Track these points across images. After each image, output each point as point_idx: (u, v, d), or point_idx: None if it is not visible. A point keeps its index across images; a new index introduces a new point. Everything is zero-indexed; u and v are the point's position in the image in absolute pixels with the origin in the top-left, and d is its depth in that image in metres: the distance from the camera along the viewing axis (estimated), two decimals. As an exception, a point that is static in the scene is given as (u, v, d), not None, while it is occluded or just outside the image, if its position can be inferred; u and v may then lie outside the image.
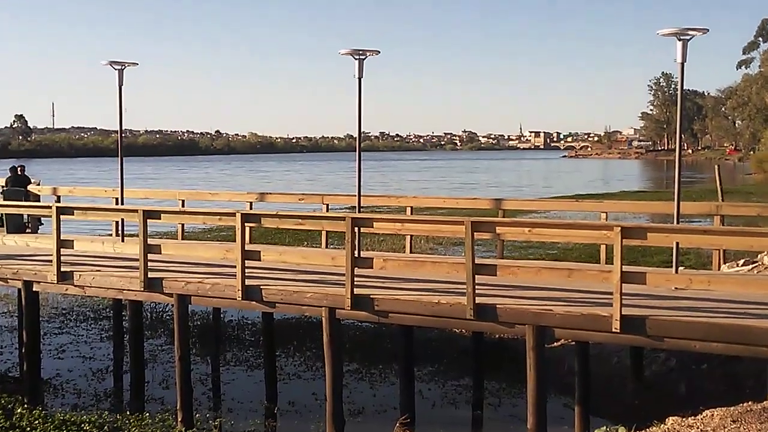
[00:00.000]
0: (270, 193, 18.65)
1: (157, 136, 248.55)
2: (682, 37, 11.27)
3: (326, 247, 16.23)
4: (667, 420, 5.52)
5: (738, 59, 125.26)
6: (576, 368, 12.00)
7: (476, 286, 10.37)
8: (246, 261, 11.88)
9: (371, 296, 11.09)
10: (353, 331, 16.79)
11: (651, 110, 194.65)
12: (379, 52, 13.50)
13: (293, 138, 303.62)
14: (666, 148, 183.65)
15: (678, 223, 11.61)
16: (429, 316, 10.81)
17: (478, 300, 10.35)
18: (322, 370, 12.77)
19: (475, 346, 14.22)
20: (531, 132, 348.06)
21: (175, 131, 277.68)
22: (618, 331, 9.51)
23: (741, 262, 16.83)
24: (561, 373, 13.44)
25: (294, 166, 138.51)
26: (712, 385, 12.27)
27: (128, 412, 11.64)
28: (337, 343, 11.57)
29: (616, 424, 9.11)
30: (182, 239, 18.04)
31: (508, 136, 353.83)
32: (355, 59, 13.46)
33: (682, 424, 5.33)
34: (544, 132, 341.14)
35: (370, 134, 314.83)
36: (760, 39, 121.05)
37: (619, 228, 9.57)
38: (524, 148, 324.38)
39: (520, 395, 12.61)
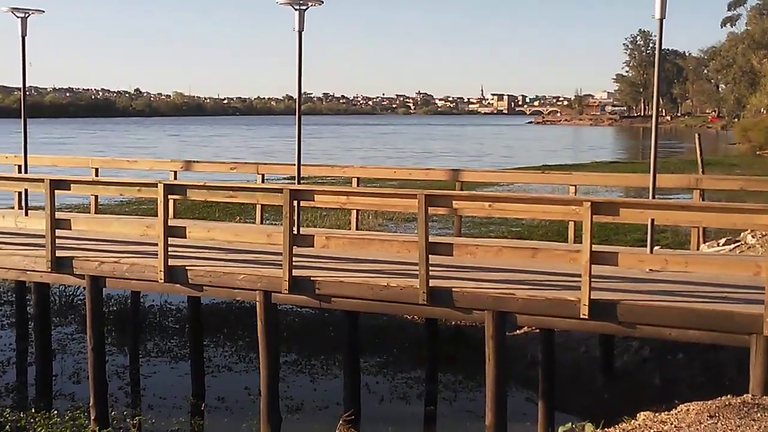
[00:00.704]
0: (197, 161, 18.47)
1: (67, 94, 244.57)
2: (660, -9, 11.38)
3: (261, 222, 16.16)
4: (638, 415, 5.64)
5: (723, 16, 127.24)
6: (540, 358, 12.16)
7: (430, 268, 10.41)
8: (169, 238, 11.76)
9: (312, 278, 11.09)
10: (292, 318, 16.81)
11: (626, 72, 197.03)
12: (323, 2, 13.43)
13: (224, 99, 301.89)
14: (642, 114, 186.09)
15: (654, 197, 11.79)
16: (377, 301, 10.83)
17: (432, 283, 10.40)
18: (256, 362, 12.76)
19: (428, 335, 14.33)
20: (493, 95, 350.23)
21: (88, 89, 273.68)
22: (586, 317, 9.64)
23: (722, 241, 17.20)
24: (523, 363, 13.63)
25: (225, 131, 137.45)
26: (689, 377, 12.55)
27: (34, 410, 11.53)
28: (273, 331, 11.56)
29: (584, 419, 9.28)
30: (96, 213, 17.80)
31: (468, 99, 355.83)
32: (295, 10, 13.36)
33: (655, 419, 5.45)
34: (508, 95, 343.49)
35: (312, 95, 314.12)
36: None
37: (589, 203, 9.67)
38: (486, 113, 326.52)
39: (478, 388, 12.78)
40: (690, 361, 12.83)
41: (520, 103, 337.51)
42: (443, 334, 14.97)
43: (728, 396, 5.70)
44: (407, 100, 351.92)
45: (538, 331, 12.39)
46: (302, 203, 12.52)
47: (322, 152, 71.08)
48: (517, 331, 14.30)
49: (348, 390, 12.57)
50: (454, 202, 10.98)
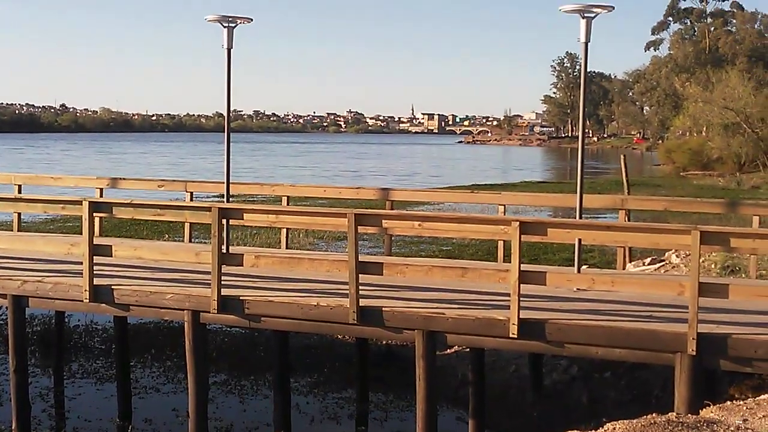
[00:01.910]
0: (124, 179, 18.21)
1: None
2: (586, 15, 11.61)
3: (190, 241, 15.98)
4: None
5: (647, 40, 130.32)
6: (470, 377, 12.22)
7: (360, 287, 10.41)
8: (95, 257, 11.57)
9: (241, 298, 11.00)
10: (221, 338, 16.61)
11: (554, 93, 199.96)
12: (252, 19, 13.40)
13: (153, 115, 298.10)
14: (570, 134, 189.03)
15: (581, 217, 11.98)
16: (307, 321, 10.79)
17: (362, 302, 10.39)
18: (184, 383, 12.59)
19: (359, 354, 14.29)
20: (424, 114, 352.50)
21: (12, 104, 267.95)
22: (515, 336, 9.73)
23: (647, 260, 17.55)
24: (454, 383, 13.68)
25: (153, 148, 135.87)
26: (616, 395, 12.73)
27: (-49, 435, 11.21)
28: (201, 351, 11.42)
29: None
30: (19, 231, 17.40)
31: (399, 118, 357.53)
32: (224, 27, 13.31)
33: (582, 438, 5.51)
34: (439, 115, 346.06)
35: (242, 113, 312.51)
36: (671, 19, 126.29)
37: (518, 223, 9.77)
38: (416, 132, 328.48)
39: (408, 408, 12.78)
40: (617, 379, 13.02)
41: (450, 122, 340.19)
42: (374, 353, 14.94)
43: (653, 414, 5.79)
44: (338, 118, 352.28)
45: (468, 350, 12.45)
46: (231, 222, 12.44)
47: (252, 170, 70.73)
48: (448, 351, 14.35)
49: (278, 410, 12.47)
50: (384, 221, 11.00)
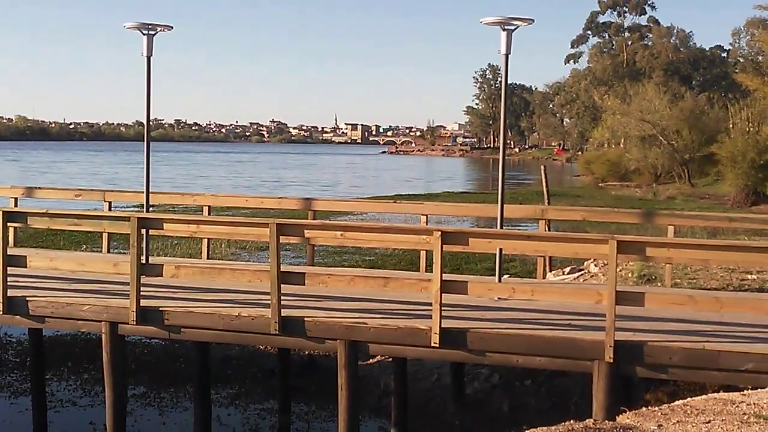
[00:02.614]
0: (40, 188, 17.84)
1: None
2: (506, 27, 11.78)
3: (108, 251, 15.71)
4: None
5: (567, 53, 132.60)
6: (392, 387, 12.25)
7: (282, 297, 10.37)
8: (9, 268, 11.31)
9: (161, 308, 10.85)
10: (140, 350, 16.34)
11: (476, 104, 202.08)
12: (172, 27, 13.27)
13: (71, 123, 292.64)
14: (492, 145, 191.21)
15: (502, 227, 12.12)
16: (228, 331, 10.70)
17: (284, 312, 10.35)
18: (101, 395, 12.34)
19: (281, 365, 14.20)
20: (347, 124, 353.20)
21: None
22: (437, 345, 9.79)
23: (567, 269, 17.80)
24: (377, 392, 13.69)
25: (71, 156, 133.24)
26: (536, 403, 12.88)
27: None
28: (119, 363, 11.24)
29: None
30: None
31: (323, 128, 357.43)
32: (144, 35, 13.15)
33: (502, 445, 5.57)
34: (362, 125, 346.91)
35: (163, 122, 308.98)
36: (589, 32, 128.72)
37: (439, 233, 9.85)
38: (340, 142, 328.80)
39: (331, 418, 12.74)
40: (537, 387, 13.18)
41: (373, 132, 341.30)
42: (296, 364, 14.86)
43: (572, 421, 5.88)
44: (261, 128, 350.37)
45: (391, 360, 12.48)
46: (151, 232, 12.27)
47: (173, 180, 69.87)
48: (371, 360, 14.36)
49: (198, 423, 12.32)
50: (306, 231, 10.98)
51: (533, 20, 11.78)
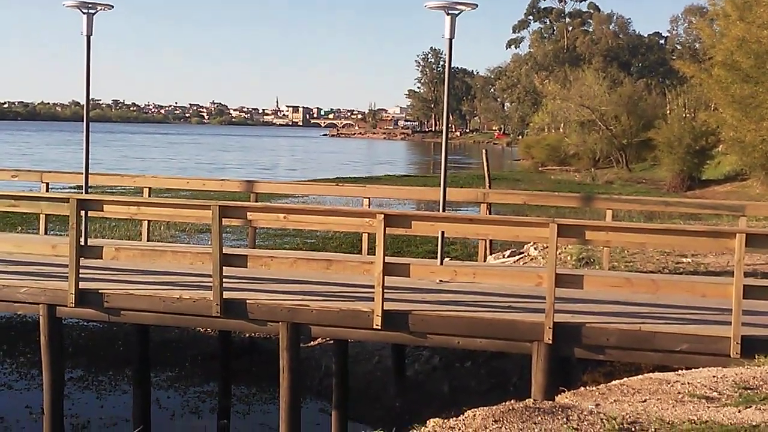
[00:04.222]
0: (-26, 168, 17.47)
1: None
2: (450, 11, 11.83)
3: (46, 233, 15.49)
4: (428, 422, 5.82)
5: (509, 38, 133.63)
6: (334, 369, 12.31)
7: (224, 279, 10.34)
8: (-57, 249, 11.10)
9: (100, 291, 10.75)
10: (78, 333, 16.16)
11: (418, 88, 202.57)
12: (113, 6, 13.10)
13: (5, 102, 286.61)
14: (434, 129, 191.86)
15: (444, 210, 12.21)
16: (168, 314, 10.65)
17: (226, 295, 10.32)
18: (39, 379, 12.20)
19: (222, 348, 14.18)
20: (289, 107, 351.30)
21: None
22: (379, 327, 9.86)
23: (507, 252, 18.00)
24: (319, 375, 13.74)
25: (5, 137, 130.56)
26: (476, 384, 13.04)
27: None
28: (57, 346, 11.11)
29: (377, 427, 9.47)
30: None
31: (263, 110, 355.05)
32: (83, 13, 12.95)
33: (444, 425, 5.65)
34: (304, 107, 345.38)
35: (101, 102, 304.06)
36: (531, 18, 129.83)
37: (382, 215, 9.88)
38: (281, 125, 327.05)
39: (272, 400, 12.76)
40: (477, 368, 13.34)
41: (315, 115, 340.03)
42: (237, 346, 14.84)
43: (512, 401, 5.99)
44: (201, 109, 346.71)
45: (332, 342, 12.52)
46: (90, 213, 12.11)
47: (113, 161, 68.91)
48: (312, 343, 14.40)
49: (137, 405, 12.26)
50: (248, 213, 10.96)
51: (477, 5, 11.85)
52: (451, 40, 12.09)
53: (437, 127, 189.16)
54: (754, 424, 5.52)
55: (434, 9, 11.90)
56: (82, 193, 13.12)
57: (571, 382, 10.24)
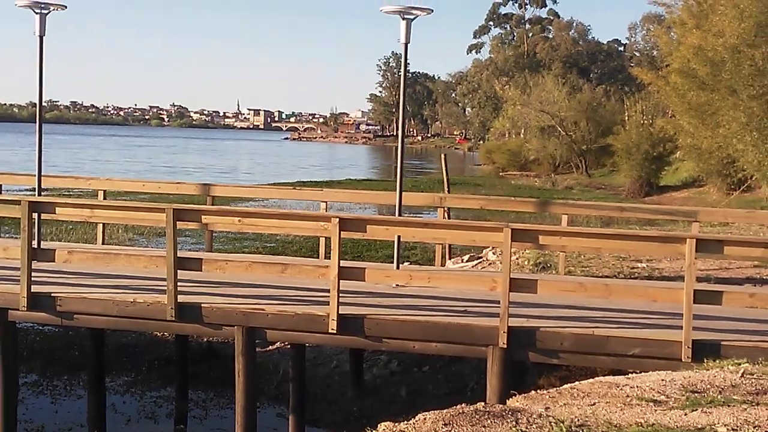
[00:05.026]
0: (-74, 170, 17.22)
1: None
2: (405, 16, 11.89)
3: (-1, 236, 15.31)
4: (379, 426, 5.85)
5: (469, 43, 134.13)
6: (291, 374, 12.29)
7: (180, 283, 10.30)
8: None
9: (53, 294, 10.66)
10: (33, 337, 15.98)
11: (380, 92, 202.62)
12: (66, 6, 13.00)
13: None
14: (395, 133, 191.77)
15: (400, 215, 12.26)
16: (123, 318, 10.58)
17: (180, 299, 10.28)
18: (-9, 384, 12.04)
19: (179, 352, 14.11)
20: (250, 110, 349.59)
21: None
22: (335, 331, 9.87)
23: (466, 257, 18.09)
24: (276, 379, 13.71)
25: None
26: (434, 388, 13.09)
27: None
28: (10, 350, 11.00)
29: (334, 431, 9.49)
30: None
31: (224, 113, 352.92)
32: (36, 13, 12.85)
33: (394, 429, 5.68)
34: (265, 110, 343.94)
35: (59, 103, 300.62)
36: (491, 23, 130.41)
37: (338, 219, 9.90)
38: (242, 128, 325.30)
39: (229, 405, 12.71)
40: (435, 373, 13.39)
41: (276, 118, 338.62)
42: (195, 350, 14.77)
43: (463, 405, 6.03)
44: (161, 111, 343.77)
45: (290, 346, 12.50)
46: (43, 216, 12.00)
47: (70, 163, 68.20)
48: (271, 347, 14.37)
49: (92, 411, 12.15)
50: (203, 216, 10.92)
51: (432, 10, 11.93)
52: (406, 44, 12.16)
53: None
54: (699, 427, 5.61)
55: (390, 14, 11.95)
56: (35, 195, 12.99)
57: (527, 387, 10.33)
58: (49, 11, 12.85)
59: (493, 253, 17.92)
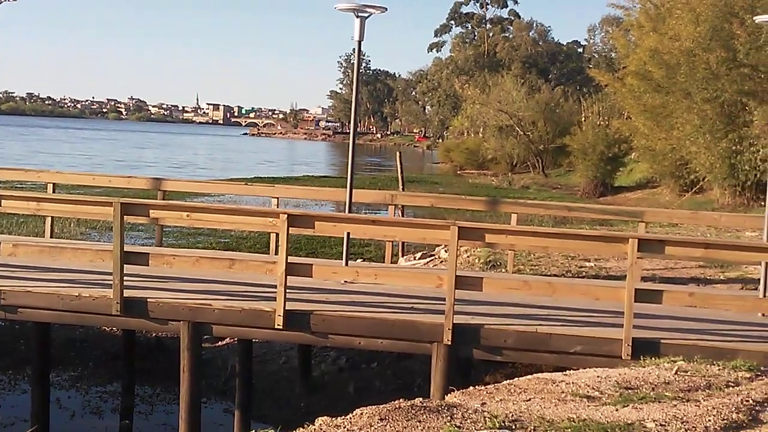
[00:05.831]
0: None
1: None
2: (360, 14, 11.93)
3: (-55, 228, 15.13)
4: (316, 421, 5.92)
5: (430, 42, 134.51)
6: (237, 369, 12.30)
7: (127, 278, 10.27)
8: None
9: (-4, 288, 10.56)
10: (-23, 331, 15.83)
11: (340, 89, 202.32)
12: (19, -3, 12.88)
13: None
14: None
15: (350, 212, 12.31)
16: (68, 312, 10.51)
17: (126, 293, 10.25)
18: (-67, 379, 11.93)
19: (126, 347, 14.04)
20: (209, 104, 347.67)
21: None
22: (281, 327, 9.90)
23: (418, 255, 18.20)
24: (224, 375, 13.71)
25: None
26: (382, 384, 13.17)
27: None
28: (-48, 344, 10.88)
29: (280, 428, 9.52)
30: None
31: (183, 107, 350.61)
32: (-12, 3, 12.72)
33: (331, 424, 5.74)
34: (224, 105, 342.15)
35: (14, 95, 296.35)
36: (453, 22, 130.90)
37: (286, 215, 9.94)
38: (201, 122, 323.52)
39: (175, 401, 12.65)
40: (383, 369, 13.48)
41: (236, 114, 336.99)
42: (142, 346, 14.71)
43: (400, 400, 6.11)
44: (119, 105, 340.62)
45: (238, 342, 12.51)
46: (-8, 209, 11.87)
47: (23, 156, 67.39)
48: (220, 343, 14.36)
49: (35, 405, 12.04)
50: (151, 211, 10.88)
51: (386, 9, 11.97)
52: (360, 42, 12.20)
53: (359, 128, 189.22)
54: (629, 422, 5.73)
55: (345, 11, 11.99)
56: (-18, 188, 12.87)
57: (471, 384, 10.46)
58: (2, 2, 12.74)
59: (445, 251, 18.05)
